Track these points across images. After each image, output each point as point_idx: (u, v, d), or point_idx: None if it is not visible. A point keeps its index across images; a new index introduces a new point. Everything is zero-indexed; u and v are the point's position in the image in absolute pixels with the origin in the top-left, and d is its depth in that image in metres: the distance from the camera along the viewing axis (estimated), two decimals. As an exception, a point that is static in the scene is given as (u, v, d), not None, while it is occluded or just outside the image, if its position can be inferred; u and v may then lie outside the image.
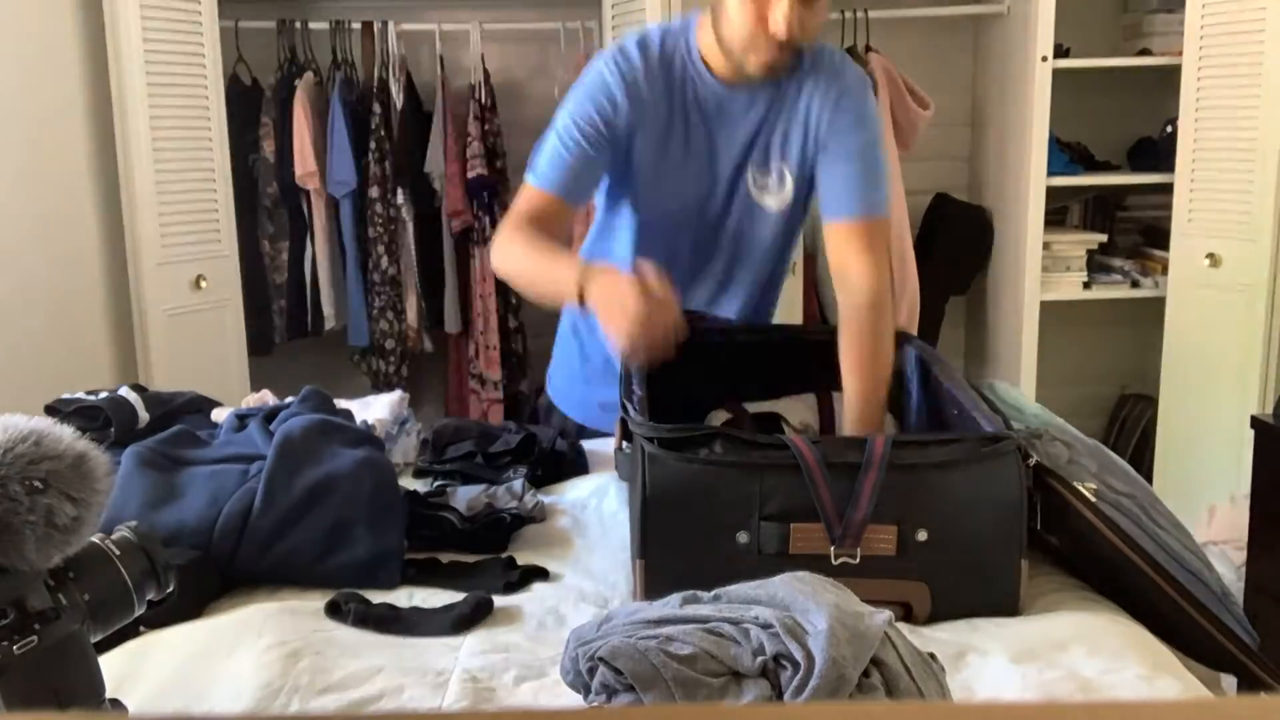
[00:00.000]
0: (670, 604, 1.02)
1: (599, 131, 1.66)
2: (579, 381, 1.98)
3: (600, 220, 1.84)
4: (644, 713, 0.57)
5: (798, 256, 3.16)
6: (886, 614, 0.99)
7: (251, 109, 3.35)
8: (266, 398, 1.90)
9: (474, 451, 1.74)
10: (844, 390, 1.63)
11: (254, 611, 1.25)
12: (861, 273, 1.64)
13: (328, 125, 3.36)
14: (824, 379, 1.74)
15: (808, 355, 1.77)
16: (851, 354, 1.62)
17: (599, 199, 1.81)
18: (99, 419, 1.64)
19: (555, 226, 1.67)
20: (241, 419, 1.60)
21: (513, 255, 1.65)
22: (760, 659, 0.93)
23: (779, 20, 1.54)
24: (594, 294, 1.45)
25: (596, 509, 1.60)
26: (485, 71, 3.45)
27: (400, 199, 3.41)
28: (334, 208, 3.44)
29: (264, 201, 3.39)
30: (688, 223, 1.74)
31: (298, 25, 3.41)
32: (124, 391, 1.72)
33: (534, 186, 1.69)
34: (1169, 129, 3.23)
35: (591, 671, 0.95)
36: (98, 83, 2.79)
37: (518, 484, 1.62)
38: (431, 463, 1.75)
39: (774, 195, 1.71)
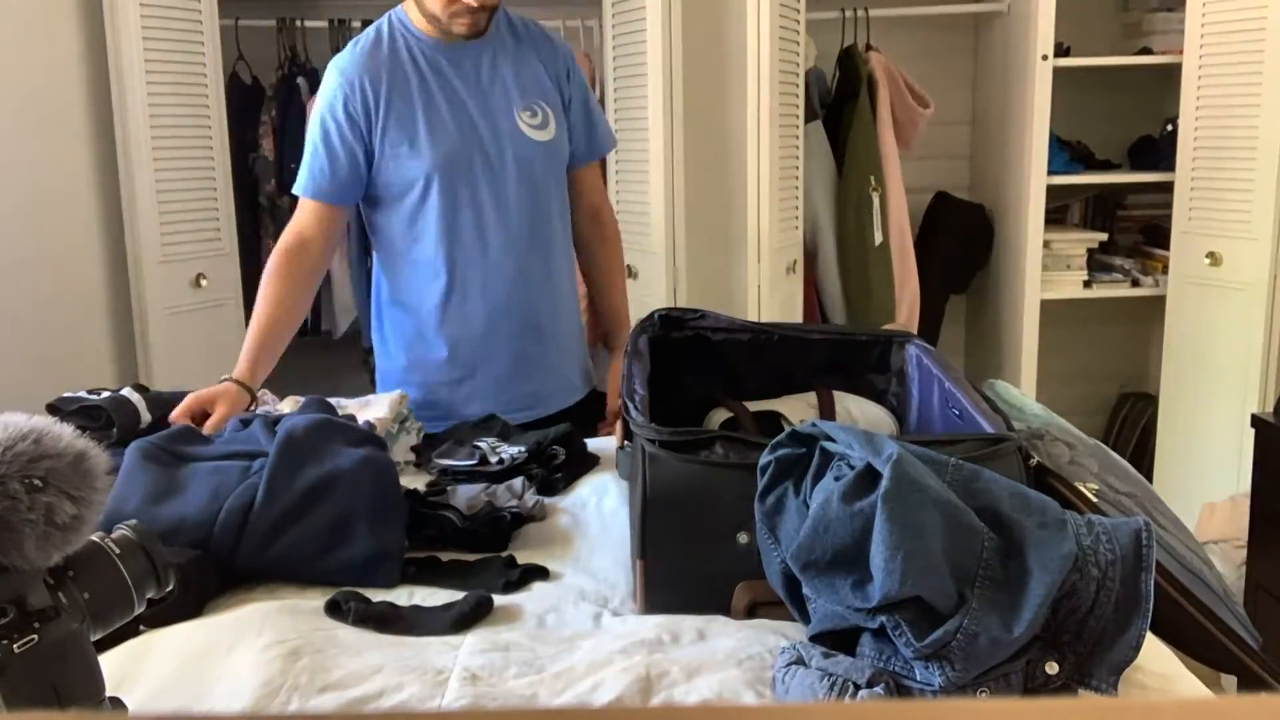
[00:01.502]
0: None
1: (353, 131, 1.87)
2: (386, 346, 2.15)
3: (396, 239, 1.96)
4: (637, 713, 0.57)
5: (797, 255, 3.16)
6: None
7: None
8: (265, 398, 1.90)
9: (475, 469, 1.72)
10: (607, 294, 2.16)
11: (254, 610, 1.25)
12: (607, 204, 2.18)
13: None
14: (824, 378, 1.74)
15: (807, 354, 1.77)
16: (613, 265, 2.15)
17: (388, 217, 1.96)
18: (101, 419, 1.64)
19: (319, 229, 1.91)
20: (244, 420, 1.60)
21: (261, 291, 1.92)
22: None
23: None
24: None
25: (597, 508, 1.60)
26: (485, 70, 3.45)
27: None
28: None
29: (262, 200, 3.38)
30: (470, 173, 1.90)
31: (298, 24, 3.41)
32: (126, 391, 1.72)
33: (301, 199, 1.93)
34: (1169, 128, 3.23)
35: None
36: (98, 82, 2.79)
37: (518, 483, 1.62)
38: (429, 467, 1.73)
39: (544, 129, 1.94)
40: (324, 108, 1.90)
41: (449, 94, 1.88)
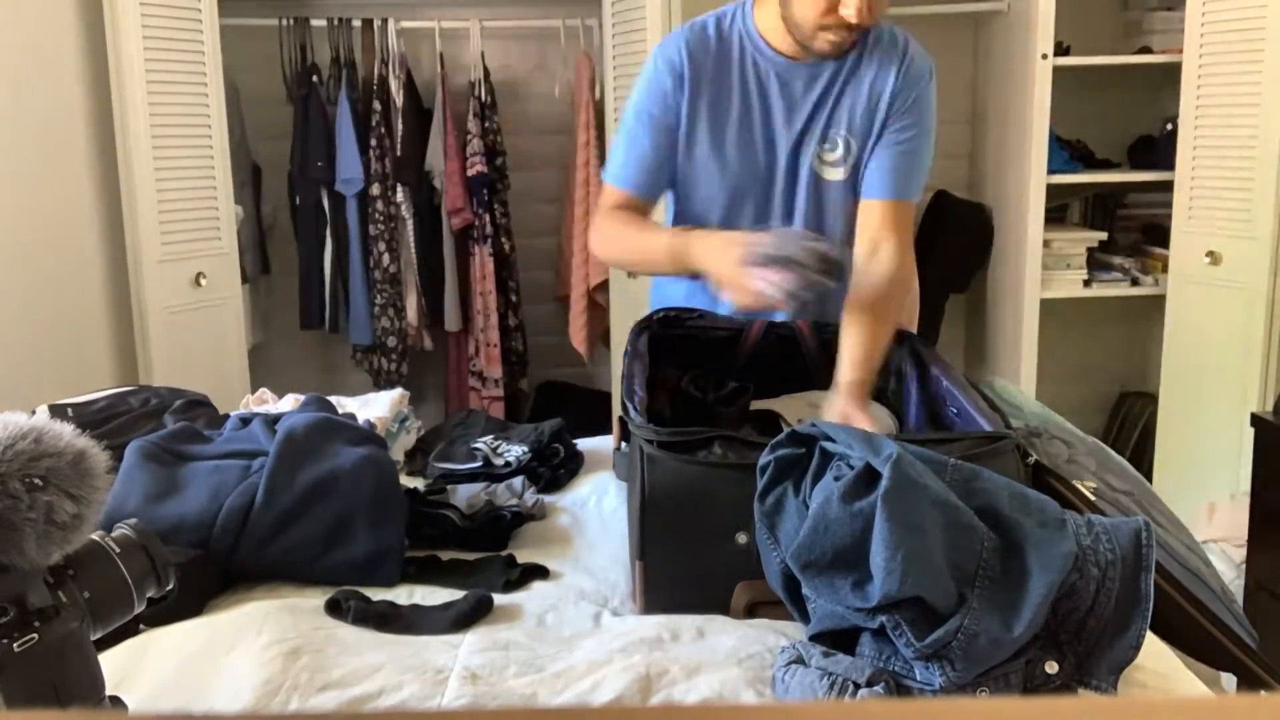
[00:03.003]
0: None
1: (663, 121, 1.70)
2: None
3: (678, 214, 1.81)
4: (637, 713, 0.57)
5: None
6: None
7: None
8: (265, 397, 1.90)
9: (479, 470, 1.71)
10: (847, 339, 1.63)
11: (254, 609, 1.25)
12: (892, 244, 1.69)
13: (335, 124, 3.36)
14: (824, 378, 1.75)
15: (806, 354, 1.77)
16: (867, 313, 1.64)
17: (668, 199, 1.82)
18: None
19: (639, 214, 1.74)
20: (244, 420, 1.60)
21: (607, 236, 1.74)
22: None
23: (850, 5, 1.57)
24: (704, 260, 1.53)
25: (596, 507, 1.60)
26: (485, 69, 3.46)
27: (400, 196, 3.41)
28: (338, 205, 3.45)
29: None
30: (757, 198, 1.74)
31: (292, 23, 3.41)
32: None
33: (611, 186, 1.76)
34: (1169, 127, 3.22)
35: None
36: (98, 82, 2.79)
37: (518, 482, 1.62)
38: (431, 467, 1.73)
39: (839, 166, 1.73)
40: (640, 92, 1.74)
41: (766, 114, 1.71)
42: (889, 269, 1.68)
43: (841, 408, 1.55)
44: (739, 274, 1.43)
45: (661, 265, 1.67)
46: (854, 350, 1.61)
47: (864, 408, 1.54)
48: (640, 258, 1.75)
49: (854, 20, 1.58)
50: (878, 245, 1.70)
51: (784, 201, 1.74)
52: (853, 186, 1.73)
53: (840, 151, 1.72)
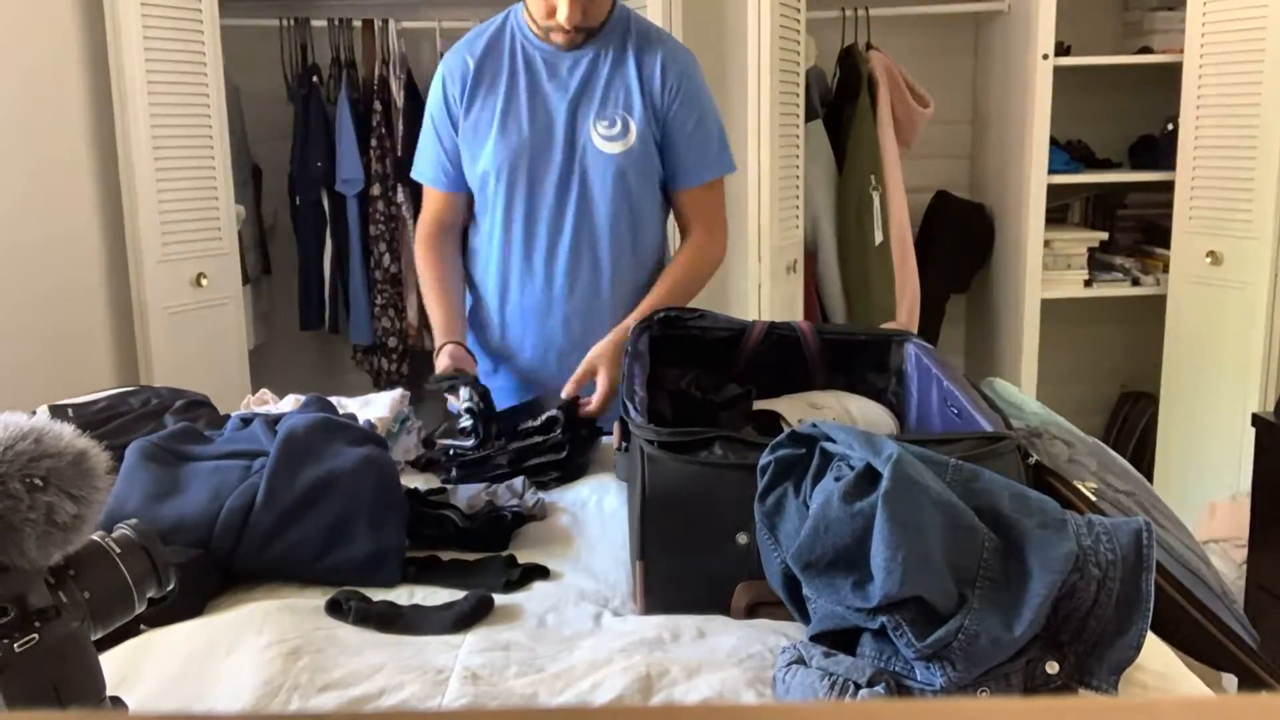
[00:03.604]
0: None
1: (451, 120, 1.96)
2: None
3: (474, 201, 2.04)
4: (637, 713, 0.57)
5: (798, 255, 3.16)
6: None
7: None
8: (266, 397, 1.90)
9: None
10: (657, 285, 1.95)
11: (254, 609, 1.25)
12: (713, 234, 2.00)
13: (335, 124, 3.36)
14: (824, 378, 1.75)
15: (807, 354, 1.76)
16: (683, 269, 1.97)
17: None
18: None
19: (453, 217, 2.05)
20: (245, 420, 1.60)
21: (419, 262, 2.07)
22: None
23: (562, 13, 1.81)
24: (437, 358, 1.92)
25: (597, 507, 1.60)
26: (486, 69, 3.46)
27: (401, 197, 3.41)
28: (338, 205, 3.45)
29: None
30: (531, 173, 1.93)
31: (293, 23, 3.41)
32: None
33: (425, 185, 2.05)
34: (1170, 127, 3.23)
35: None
36: (98, 82, 2.79)
37: (518, 482, 1.62)
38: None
39: (616, 141, 1.91)
40: (432, 92, 2.00)
41: (533, 94, 1.91)
42: (706, 252, 1.99)
43: (600, 350, 1.84)
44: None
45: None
46: (643, 306, 1.89)
47: (615, 360, 1.77)
48: (429, 311, 2.03)
49: (565, 25, 1.82)
50: (685, 233, 2.01)
51: (562, 167, 1.92)
52: (627, 168, 1.91)
53: (618, 128, 1.90)
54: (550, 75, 1.91)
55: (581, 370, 1.85)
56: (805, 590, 1.12)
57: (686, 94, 1.91)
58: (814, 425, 1.19)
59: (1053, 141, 3.19)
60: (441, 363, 1.89)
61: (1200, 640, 1.25)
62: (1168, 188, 3.09)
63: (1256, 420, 2.46)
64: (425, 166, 2.04)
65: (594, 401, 1.79)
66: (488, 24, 1.98)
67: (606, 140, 1.90)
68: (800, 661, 1.05)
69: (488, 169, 1.93)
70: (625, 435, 1.41)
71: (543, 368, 2.02)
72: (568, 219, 1.94)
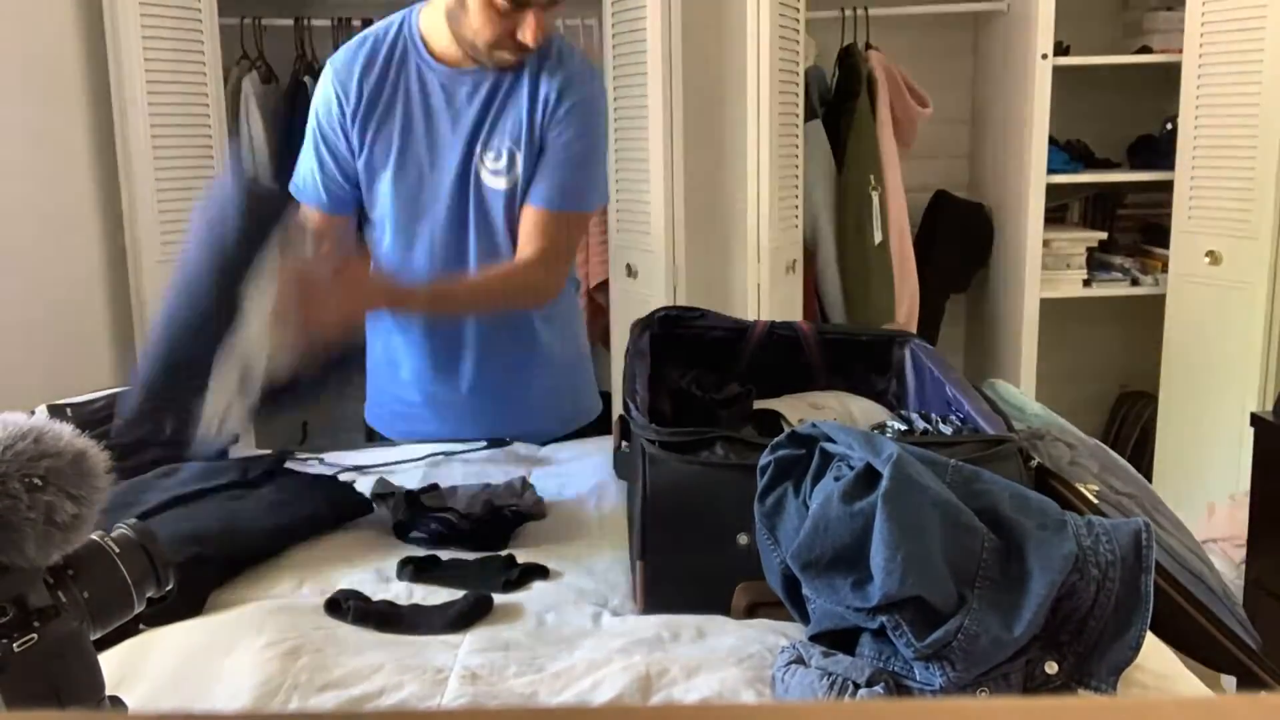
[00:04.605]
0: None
1: (333, 139, 1.77)
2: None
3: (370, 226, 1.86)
4: (637, 712, 0.57)
5: (797, 254, 3.16)
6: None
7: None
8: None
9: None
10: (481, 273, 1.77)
11: (253, 609, 1.25)
12: (550, 256, 1.76)
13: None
14: (825, 379, 1.75)
15: (808, 354, 1.77)
16: (500, 275, 1.76)
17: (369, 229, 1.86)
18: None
19: (334, 236, 1.80)
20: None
21: None
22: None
23: (528, 33, 1.63)
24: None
25: (597, 507, 1.60)
26: (485, 69, 3.45)
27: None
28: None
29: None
30: (429, 209, 1.77)
31: (294, 23, 3.41)
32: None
33: (302, 203, 1.81)
34: (1169, 126, 3.23)
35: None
36: (98, 82, 2.79)
37: (518, 481, 1.62)
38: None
39: (502, 176, 1.75)
40: (315, 111, 1.81)
41: (429, 127, 1.75)
42: (522, 272, 1.75)
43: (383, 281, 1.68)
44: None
45: None
46: (455, 284, 1.76)
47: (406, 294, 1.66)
48: None
49: (531, 45, 1.64)
50: (521, 251, 1.76)
51: (455, 209, 1.76)
52: (515, 197, 1.75)
53: (504, 161, 1.74)
54: (447, 103, 1.74)
55: None
56: (804, 590, 1.12)
57: (573, 120, 1.73)
58: (814, 425, 1.19)
59: (1052, 141, 3.19)
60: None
61: (1200, 641, 1.25)
62: (1167, 187, 3.09)
63: (1256, 420, 2.46)
64: (306, 186, 1.83)
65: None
66: (374, 32, 1.79)
67: (493, 175, 1.75)
68: (799, 661, 1.05)
69: (384, 205, 1.79)
70: (625, 434, 1.41)
71: (481, 408, 1.89)
72: (470, 257, 1.79)
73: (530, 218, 1.76)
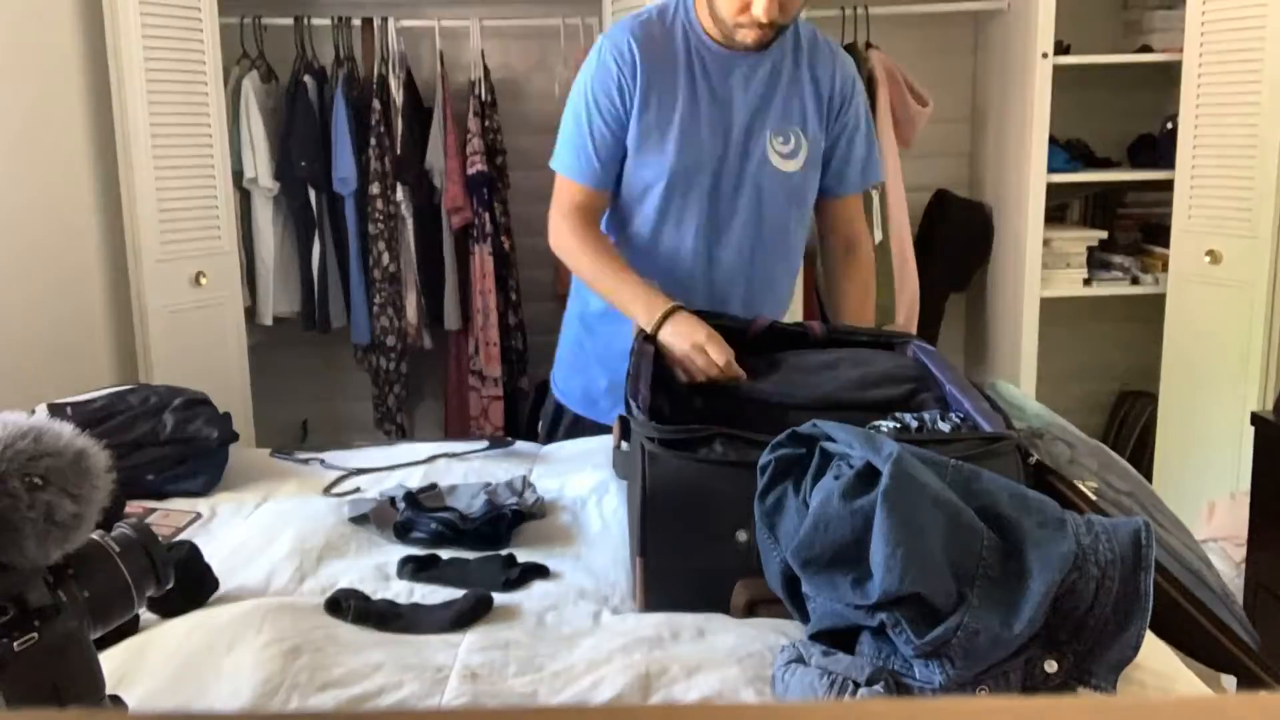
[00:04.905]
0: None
1: (613, 111, 1.78)
2: (576, 371, 2.01)
3: (621, 197, 1.86)
4: (637, 711, 0.57)
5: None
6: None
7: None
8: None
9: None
10: (848, 314, 1.95)
11: (253, 608, 1.25)
12: (865, 237, 1.98)
13: (331, 122, 3.36)
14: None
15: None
16: (858, 305, 1.95)
17: (616, 205, 1.88)
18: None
19: (597, 213, 1.84)
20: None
21: (578, 259, 1.80)
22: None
23: (760, 7, 1.67)
24: (668, 336, 1.61)
25: (597, 506, 1.60)
26: (485, 68, 3.45)
27: (400, 195, 3.41)
28: (336, 204, 3.45)
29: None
30: (704, 184, 1.80)
31: (262, 23, 3.41)
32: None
33: (567, 180, 1.83)
34: (1169, 125, 3.22)
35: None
36: (98, 81, 2.79)
37: (518, 480, 1.62)
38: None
39: (792, 159, 1.82)
40: (588, 81, 1.80)
41: (712, 101, 1.78)
42: (871, 258, 1.98)
43: None
44: (690, 355, 1.57)
45: (626, 310, 1.72)
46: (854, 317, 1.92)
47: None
48: (606, 291, 1.77)
49: (763, 19, 1.68)
50: (852, 240, 1.96)
51: (735, 187, 1.81)
52: (800, 184, 1.85)
53: (792, 144, 1.82)
54: (726, 80, 1.78)
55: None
56: (804, 588, 1.12)
57: (856, 104, 1.86)
58: (814, 425, 1.19)
59: (1052, 140, 3.18)
60: (693, 335, 1.58)
61: (1200, 640, 1.25)
62: (1167, 186, 3.09)
63: (1256, 419, 2.45)
64: (577, 162, 1.81)
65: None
66: (648, 11, 1.81)
67: (783, 158, 1.80)
68: (799, 660, 1.05)
69: (656, 177, 1.79)
70: (625, 433, 1.41)
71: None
72: (734, 235, 1.83)
73: (839, 208, 1.93)
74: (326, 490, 1.69)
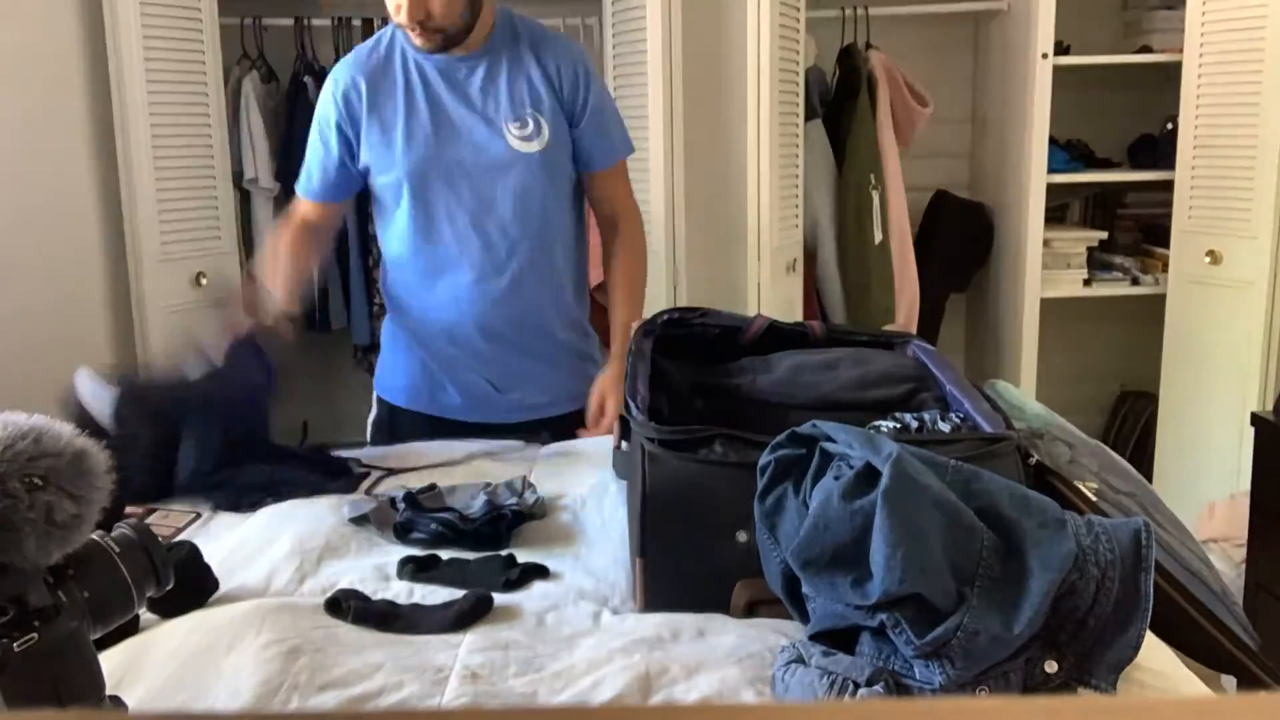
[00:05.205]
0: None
1: (339, 136, 1.95)
2: (398, 364, 2.15)
3: (383, 208, 2.02)
4: (637, 712, 0.57)
5: (798, 254, 3.16)
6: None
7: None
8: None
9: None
10: (611, 306, 2.06)
11: (253, 608, 1.25)
12: (627, 213, 2.09)
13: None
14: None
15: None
16: (622, 276, 2.06)
17: (378, 216, 2.05)
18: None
19: (324, 224, 2.06)
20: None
21: (272, 248, 2.01)
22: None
23: (403, 12, 1.81)
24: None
25: (597, 506, 1.60)
26: (485, 68, 3.45)
27: (400, 196, 3.41)
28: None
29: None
30: (449, 175, 1.93)
31: (262, 23, 3.41)
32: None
33: (301, 198, 2.04)
34: (1169, 126, 3.23)
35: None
36: (98, 82, 2.79)
37: (518, 480, 1.62)
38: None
39: (533, 141, 1.94)
40: (319, 109, 2.00)
41: (433, 104, 1.92)
42: (639, 232, 2.10)
43: (606, 379, 1.95)
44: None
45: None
46: (615, 325, 2.02)
47: (620, 386, 1.72)
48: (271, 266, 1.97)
49: (404, 20, 1.81)
50: (615, 214, 2.07)
51: (483, 171, 1.93)
52: (548, 158, 1.95)
53: (530, 128, 1.93)
54: (448, 84, 1.93)
55: (594, 404, 1.93)
56: (804, 589, 1.12)
57: (589, 84, 1.97)
58: (814, 425, 1.19)
59: (1052, 141, 3.19)
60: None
61: (1200, 640, 1.25)
62: (1167, 187, 3.09)
63: (1256, 420, 2.46)
64: (308, 182, 2.03)
65: (604, 426, 1.88)
66: (370, 42, 1.99)
67: (523, 140, 1.93)
68: (799, 660, 1.05)
69: (393, 181, 1.94)
70: (625, 433, 1.41)
71: (504, 370, 2.04)
72: (498, 221, 1.95)
73: (600, 183, 2.05)
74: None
